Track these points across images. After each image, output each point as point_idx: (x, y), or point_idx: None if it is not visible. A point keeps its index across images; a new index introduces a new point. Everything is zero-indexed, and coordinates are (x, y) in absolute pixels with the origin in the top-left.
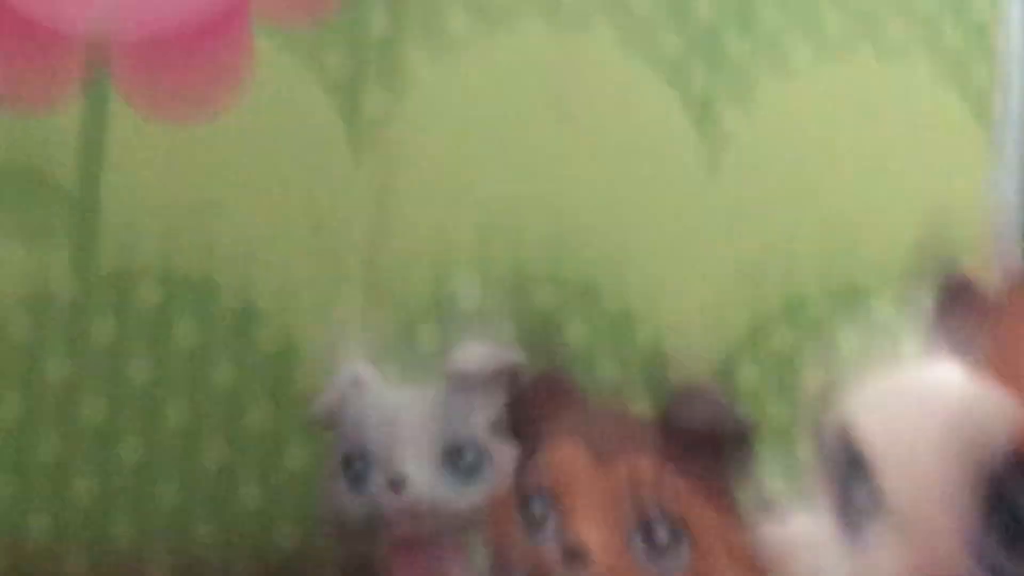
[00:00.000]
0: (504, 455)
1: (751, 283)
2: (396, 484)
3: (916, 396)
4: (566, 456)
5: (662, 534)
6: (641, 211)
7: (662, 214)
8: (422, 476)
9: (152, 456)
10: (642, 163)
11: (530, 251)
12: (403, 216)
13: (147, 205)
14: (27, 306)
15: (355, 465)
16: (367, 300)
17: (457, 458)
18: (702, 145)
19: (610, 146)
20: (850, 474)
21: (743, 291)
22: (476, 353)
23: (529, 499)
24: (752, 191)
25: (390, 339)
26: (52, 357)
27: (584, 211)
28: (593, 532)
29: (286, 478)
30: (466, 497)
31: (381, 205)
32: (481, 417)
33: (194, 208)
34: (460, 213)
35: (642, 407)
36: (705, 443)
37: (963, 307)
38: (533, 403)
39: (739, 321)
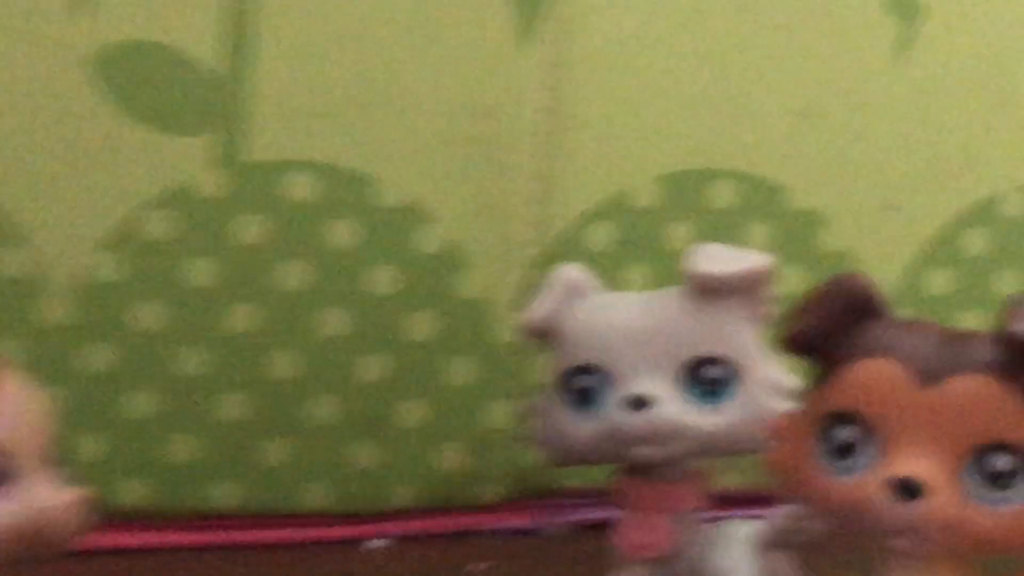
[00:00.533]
0: (759, 372)
1: (941, 180)
2: (639, 403)
3: None
4: (882, 375)
5: (1002, 464)
6: (823, 101)
7: (847, 103)
8: (665, 394)
9: (308, 370)
10: (828, 47)
11: (711, 145)
12: (575, 103)
13: (298, 89)
14: (167, 202)
15: (580, 382)
16: (538, 195)
17: (699, 375)
18: (892, 21)
19: (795, 28)
20: None
21: (933, 189)
22: (721, 255)
23: (831, 425)
24: (945, 75)
25: (563, 239)
26: (194, 259)
27: (765, 102)
28: (923, 463)
29: (450, 394)
30: (709, 418)
31: (551, 91)
32: (727, 328)
33: (350, 91)
34: (637, 100)
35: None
36: None
37: None
38: (829, 314)
39: (929, 222)
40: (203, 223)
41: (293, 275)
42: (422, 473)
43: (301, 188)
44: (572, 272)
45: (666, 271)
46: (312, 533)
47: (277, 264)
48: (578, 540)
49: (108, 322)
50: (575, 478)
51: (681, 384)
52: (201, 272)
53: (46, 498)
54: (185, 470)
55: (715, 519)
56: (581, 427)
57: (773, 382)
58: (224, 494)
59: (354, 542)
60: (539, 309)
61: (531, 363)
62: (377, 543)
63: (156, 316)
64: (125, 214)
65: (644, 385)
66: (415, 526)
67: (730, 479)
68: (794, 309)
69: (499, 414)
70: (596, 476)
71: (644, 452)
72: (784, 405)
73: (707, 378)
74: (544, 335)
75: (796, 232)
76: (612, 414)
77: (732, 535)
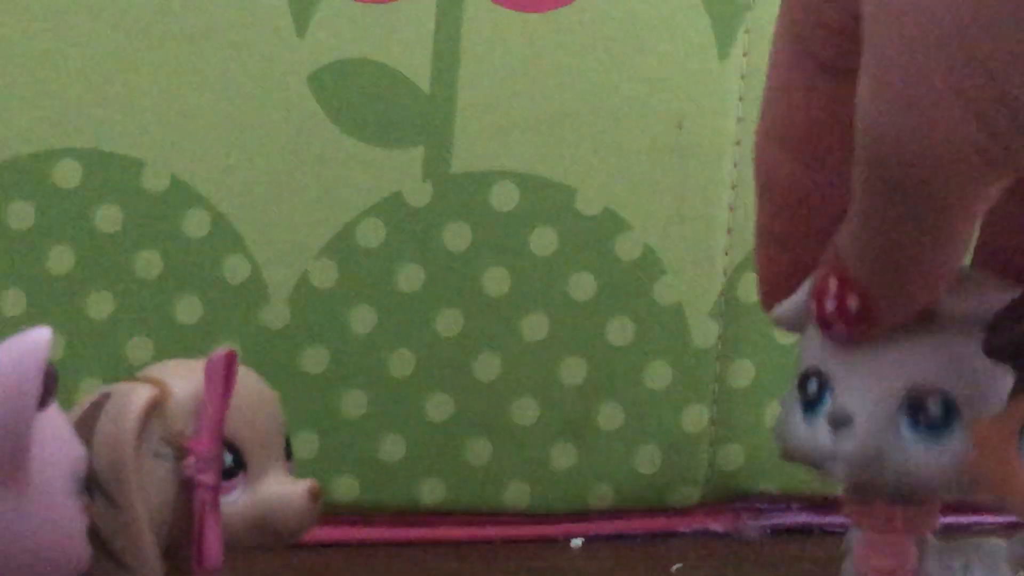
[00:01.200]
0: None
1: None
2: (839, 421)
3: None
4: None
5: None
6: None
7: None
8: (872, 418)
9: (510, 373)
10: None
11: None
12: None
13: (501, 102)
14: (380, 212)
15: (809, 386)
16: (734, 203)
17: (920, 408)
18: None
19: None
20: None
21: None
22: (974, 293)
23: None
24: None
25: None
26: (404, 265)
27: None
28: None
29: (648, 397)
30: (925, 456)
31: (743, 101)
32: (956, 367)
33: (550, 103)
34: None
35: None
36: None
37: None
38: None
39: None
40: (413, 231)
41: (497, 281)
42: (620, 475)
43: (504, 198)
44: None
45: None
46: (512, 531)
47: (481, 270)
48: (775, 544)
49: (323, 326)
50: (773, 482)
51: (898, 414)
52: (410, 278)
53: (277, 490)
54: (393, 467)
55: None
56: (800, 431)
57: None
58: (429, 491)
59: (552, 541)
60: (789, 304)
61: (727, 368)
62: (576, 543)
63: (367, 320)
64: (341, 223)
65: (851, 404)
66: (612, 527)
67: None
68: (1003, 314)
69: (695, 417)
70: (795, 481)
71: (844, 472)
72: None
73: (926, 412)
74: (795, 330)
75: None
76: (821, 426)
77: (989, 553)
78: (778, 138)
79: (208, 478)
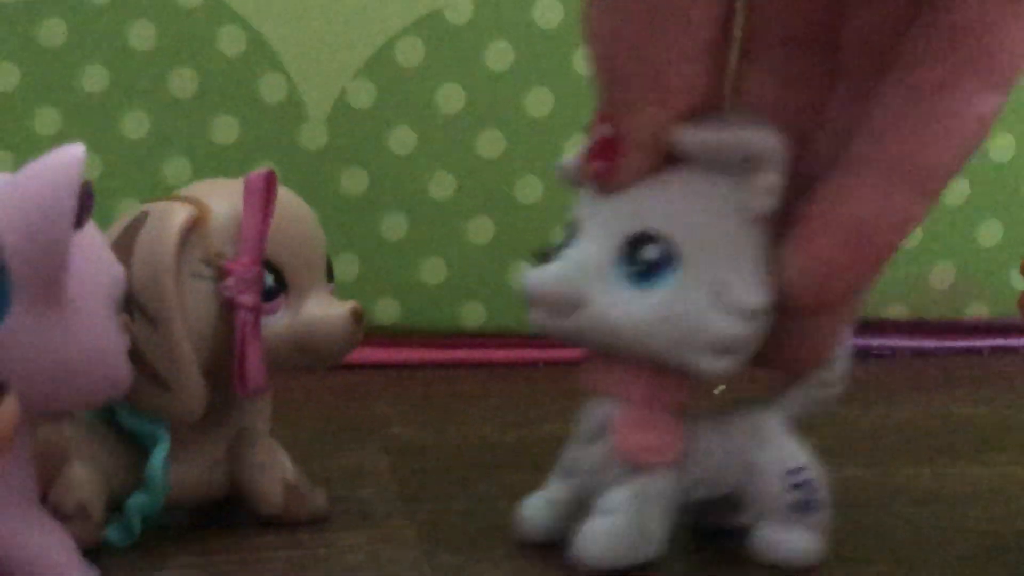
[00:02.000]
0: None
1: None
2: (540, 257)
3: None
4: None
5: None
6: None
7: None
8: (582, 262)
9: (551, 195)
10: None
11: None
12: None
13: None
14: (420, 30)
15: (565, 233)
16: None
17: (633, 255)
18: None
19: None
20: None
21: None
22: (715, 126)
23: None
24: None
25: None
26: (444, 84)
27: None
28: None
29: None
30: (629, 303)
31: None
32: (684, 211)
33: None
34: None
35: None
36: None
37: None
38: None
39: None
40: (453, 50)
41: (540, 102)
42: None
43: (548, 16)
44: None
45: None
46: (553, 354)
47: (525, 91)
48: None
49: (362, 146)
50: None
51: (618, 257)
52: (450, 98)
53: (320, 310)
54: (434, 290)
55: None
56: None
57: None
58: (470, 314)
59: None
60: (571, 159)
61: None
62: None
63: (407, 141)
64: (380, 42)
65: (579, 247)
66: None
67: (896, 309)
68: None
69: None
70: None
71: (535, 318)
72: (730, 322)
73: (640, 257)
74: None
75: None
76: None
77: (759, 424)
78: None
79: (248, 299)
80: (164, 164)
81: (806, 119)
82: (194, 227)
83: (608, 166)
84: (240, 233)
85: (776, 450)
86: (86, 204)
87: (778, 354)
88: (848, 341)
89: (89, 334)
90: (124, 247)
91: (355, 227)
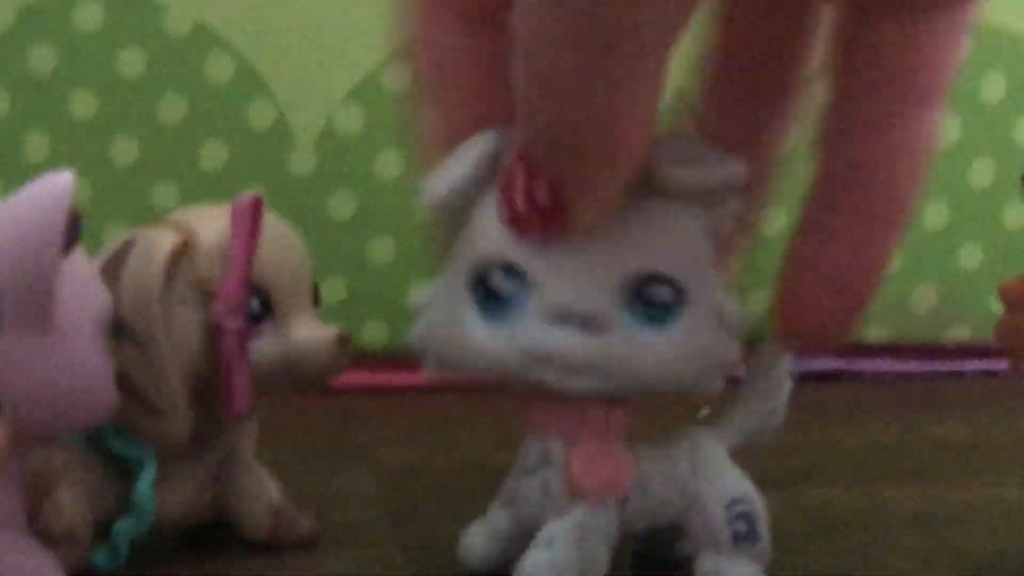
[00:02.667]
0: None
1: None
2: (564, 317)
3: None
4: None
5: None
6: None
7: None
8: (599, 312)
9: None
10: None
11: None
12: None
13: None
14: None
15: (491, 281)
16: None
17: (644, 296)
18: None
19: None
20: None
21: None
22: (698, 163)
23: None
24: None
25: None
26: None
27: None
28: None
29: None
30: (654, 346)
31: None
32: (682, 249)
33: None
34: None
35: None
36: None
37: None
38: None
39: None
40: None
41: None
42: None
43: None
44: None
45: None
46: None
47: None
48: (804, 390)
49: (350, 171)
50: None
51: (624, 302)
52: None
53: (306, 334)
54: None
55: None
56: (484, 335)
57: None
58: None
59: None
60: (448, 181)
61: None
62: None
63: (394, 166)
64: (368, 68)
65: (572, 297)
66: None
67: (878, 332)
68: None
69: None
70: None
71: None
72: (733, 343)
73: (655, 299)
74: (452, 213)
75: None
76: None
77: (705, 448)
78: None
79: (235, 323)
80: (153, 190)
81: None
82: (181, 252)
83: (556, 228)
84: (227, 258)
85: (718, 479)
86: (74, 231)
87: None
88: (792, 367)
89: (77, 360)
90: (112, 273)
91: (343, 251)
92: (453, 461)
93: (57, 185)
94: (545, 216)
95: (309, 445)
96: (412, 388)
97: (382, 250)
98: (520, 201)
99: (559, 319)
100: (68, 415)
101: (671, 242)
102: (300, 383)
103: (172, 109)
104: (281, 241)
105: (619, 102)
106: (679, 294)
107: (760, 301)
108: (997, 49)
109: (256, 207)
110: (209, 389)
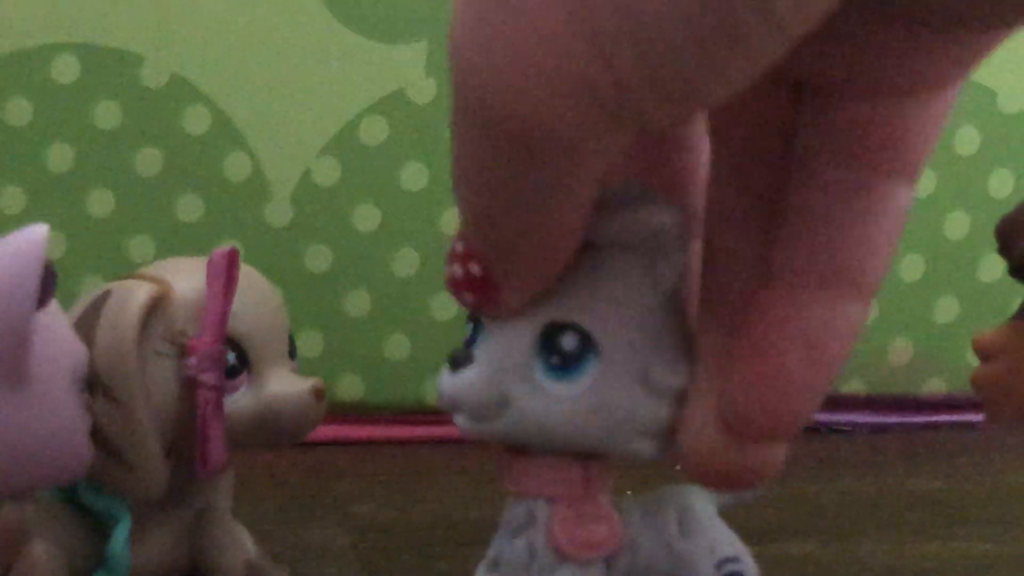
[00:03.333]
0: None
1: None
2: (457, 362)
3: None
4: None
5: None
6: None
7: None
8: (498, 361)
9: None
10: None
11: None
12: None
13: None
14: (383, 109)
15: (467, 328)
16: None
17: (552, 346)
18: None
19: None
20: None
21: None
22: (624, 211)
23: None
24: None
25: None
26: (408, 162)
27: None
28: None
29: None
30: (558, 397)
31: None
32: (595, 297)
33: None
34: None
35: None
36: None
37: None
38: None
39: None
40: (416, 129)
41: None
42: None
43: None
44: None
45: None
46: None
47: None
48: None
49: (326, 224)
50: None
51: (535, 351)
52: (413, 176)
53: (281, 387)
54: (397, 366)
55: None
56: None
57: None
58: (434, 390)
59: None
60: None
61: None
62: None
63: (371, 218)
64: (344, 120)
65: (489, 346)
66: None
67: (855, 385)
68: (1020, 224)
69: None
70: None
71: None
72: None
73: (563, 348)
74: None
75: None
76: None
77: (688, 501)
78: None
79: (210, 378)
80: (129, 242)
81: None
82: (157, 305)
83: (487, 302)
84: (202, 311)
85: (706, 539)
86: (49, 284)
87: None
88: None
89: (51, 414)
90: (87, 325)
91: (319, 304)
92: (427, 515)
93: (32, 238)
94: (477, 290)
95: (284, 498)
96: (387, 442)
97: (358, 303)
98: (458, 271)
99: (459, 362)
100: (43, 470)
101: (588, 290)
102: (276, 437)
103: (149, 161)
104: (258, 294)
105: (538, 218)
106: (587, 344)
107: None
108: (971, 103)
109: (232, 260)
110: (184, 443)
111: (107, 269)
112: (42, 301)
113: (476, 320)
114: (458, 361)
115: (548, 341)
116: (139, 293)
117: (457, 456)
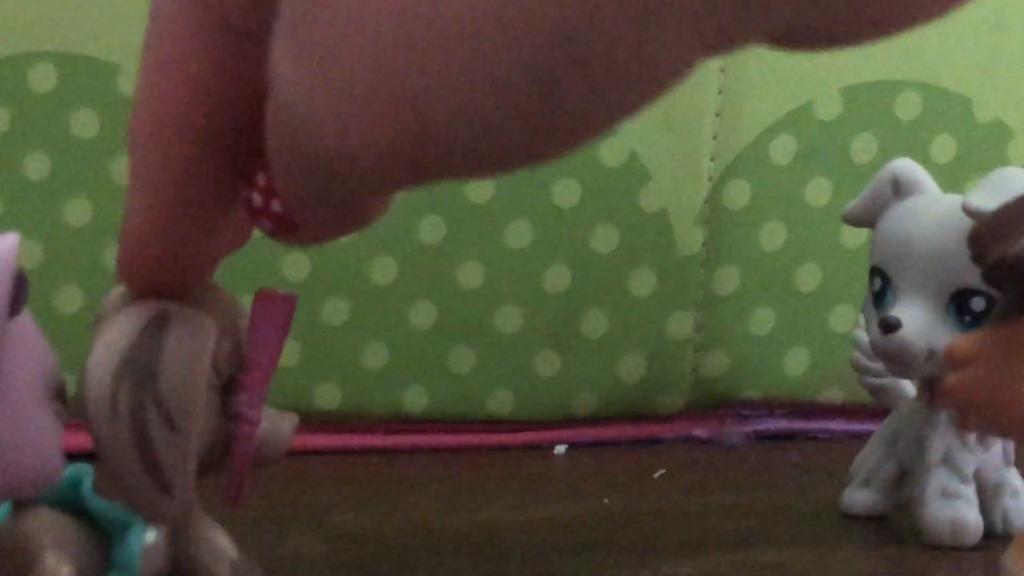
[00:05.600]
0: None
1: None
2: (887, 327)
3: None
4: None
5: None
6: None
7: None
8: (919, 320)
9: (493, 281)
10: None
11: (896, 56)
12: None
13: None
14: None
15: (875, 284)
16: (721, 108)
17: (965, 304)
18: None
19: None
20: None
21: None
22: (1003, 185)
23: None
24: None
25: (745, 152)
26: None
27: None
28: None
29: (631, 304)
30: None
31: None
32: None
33: None
34: None
35: None
36: None
37: None
38: None
39: None
40: None
41: (480, 188)
42: (604, 382)
43: None
44: (900, 167)
45: (848, 184)
46: (496, 439)
47: (464, 183)
48: (758, 450)
49: None
50: (756, 389)
51: (946, 310)
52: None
53: (268, 423)
54: (376, 375)
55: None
56: (871, 328)
57: None
58: (413, 399)
59: (536, 448)
60: (857, 202)
61: (711, 275)
62: (560, 449)
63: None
64: None
65: (901, 309)
66: (596, 433)
67: (830, 393)
68: (994, 229)
69: (679, 324)
70: (778, 387)
71: (897, 368)
72: None
73: (970, 307)
74: (867, 226)
75: (982, 144)
76: (875, 328)
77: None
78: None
79: (256, 415)
80: (106, 252)
81: None
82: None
83: (278, 233)
84: (252, 347)
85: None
86: (21, 293)
87: None
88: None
89: (22, 423)
90: (151, 342)
91: (297, 312)
92: (405, 525)
93: (3, 247)
94: (276, 223)
95: (260, 507)
96: (364, 451)
97: (336, 311)
98: (257, 200)
99: (891, 327)
100: (14, 479)
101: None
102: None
103: (126, 170)
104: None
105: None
106: (991, 303)
107: (714, 362)
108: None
109: (292, 306)
110: (203, 468)
111: (84, 279)
112: (14, 310)
113: (884, 276)
114: (889, 327)
115: (959, 302)
116: (208, 327)
117: (436, 465)
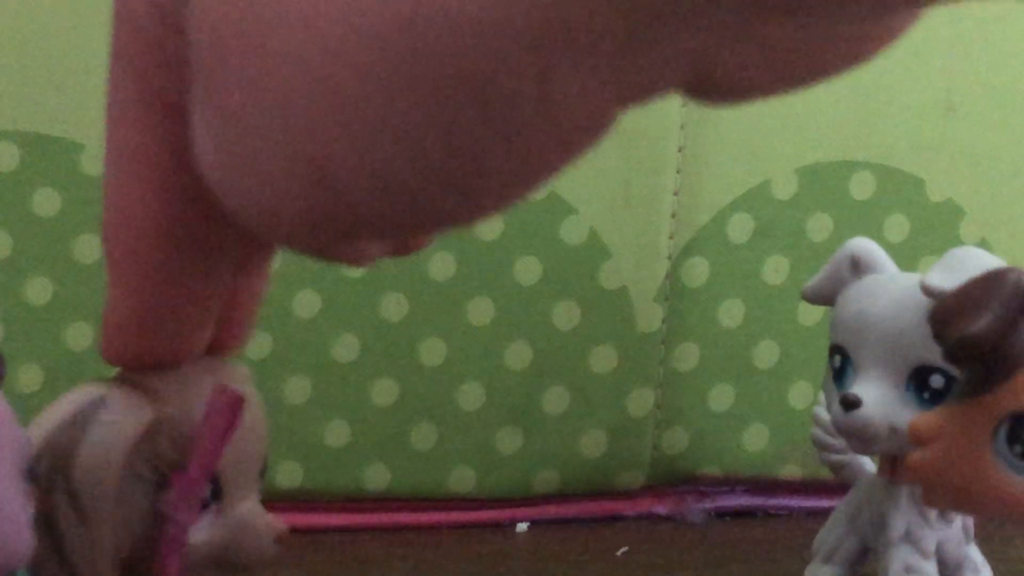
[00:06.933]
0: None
1: None
2: (848, 404)
3: None
4: None
5: None
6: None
7: (989, 97)
8: (879, 397)
9: (455, 358)
10: (972, 40)
11: (851, 137)
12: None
13: None
14: None
15: (834, 362)
16: (679, 187)
17: (924, 381)
18: None
19: (938, 20)
20: None
21: None
22: (961, 265)
23: (1018, 426)
24: None
25: (703, 230)
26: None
27: (906, 95)
28: None
29: (592, 382)
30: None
31: None
32: None
33: None
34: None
35: None
36: None
37: None
38: (1006, 312)
39: None
40: None
41: (442, 265)
42: (565, 459)
43: None
44: (858, 247)
45: (805, 262)
46: (458, 516)
47: (428, 255)
48: (719, 527)
49: (265, 311)
50: (717, 465)
51: (904, 389)
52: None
53: (251, 522)
54: (337, 453)
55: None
56: (832, 405)
57: None
58: (374, 476)
59: (498, 525)
60: (816, 280)
61: (672, 351)
62: (522, 527)
63: (311, 304)
64: None
65: (860, 387)
66: (558, 511)
67: (790, 469)
68: (955, 308)
69: (639, 401)
70: (739, 464)
71: (855, 444)
72: None
73: (929, 385)
74: (826, 304)
75: (935, 223)
76: (836, 405)
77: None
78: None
79: (186, 516)
80: (67, 331)
81: None
82: (151, 432)
83: None
84: (187, 438)
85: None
86: None
87: None
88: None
89: None
90: (69, 430)
91: (258, 390)
92: None
93: None
94: None
95: None
96: (327, 529)
97: (298, 389)
98: None
99: (852, 404)
100: None
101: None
102: (231, 568)
103: (87, 249)
104: (249, 425)
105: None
106: (951, 381)
107: (675, 438)
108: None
109: (239, 405)
110: (138, 562)
111: (45, 358)
112: None
113: (843, 353)
114: (850, 404)
115: (920, 378)
116: (140, 414)
117: (396, 544)
